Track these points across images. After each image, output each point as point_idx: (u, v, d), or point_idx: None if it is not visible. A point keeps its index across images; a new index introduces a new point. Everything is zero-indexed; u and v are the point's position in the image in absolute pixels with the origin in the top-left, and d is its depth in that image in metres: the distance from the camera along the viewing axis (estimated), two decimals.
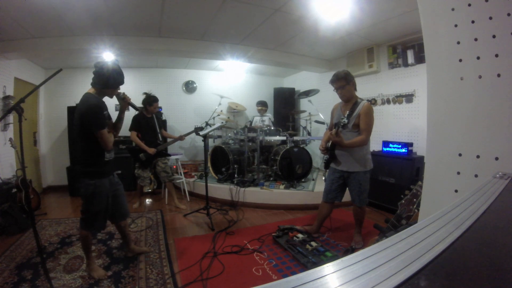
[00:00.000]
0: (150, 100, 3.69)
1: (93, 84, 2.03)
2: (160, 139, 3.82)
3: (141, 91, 3.93)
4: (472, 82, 0.98)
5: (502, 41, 0.89)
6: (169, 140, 4.07)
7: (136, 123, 3.65)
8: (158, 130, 3.82)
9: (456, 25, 1.01)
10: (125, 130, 3.83)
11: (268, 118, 5.06)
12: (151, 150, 3.58)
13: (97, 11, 2.92)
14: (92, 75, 2.02)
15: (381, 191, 3.68)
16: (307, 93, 4.94)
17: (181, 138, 3.82)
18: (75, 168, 1.95)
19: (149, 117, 3.77)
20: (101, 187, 2.08)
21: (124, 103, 2.19)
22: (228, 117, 5.75)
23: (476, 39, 0.96)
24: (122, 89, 2.20)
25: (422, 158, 3.33)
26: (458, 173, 1.03)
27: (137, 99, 3.85)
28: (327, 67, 5.20)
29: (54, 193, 4.94)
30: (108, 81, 2.01)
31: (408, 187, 1.75)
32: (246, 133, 4.45)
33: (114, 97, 2.17)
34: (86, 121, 1.94)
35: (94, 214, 2.10)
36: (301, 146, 4.55)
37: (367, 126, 2.44)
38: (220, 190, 4.20)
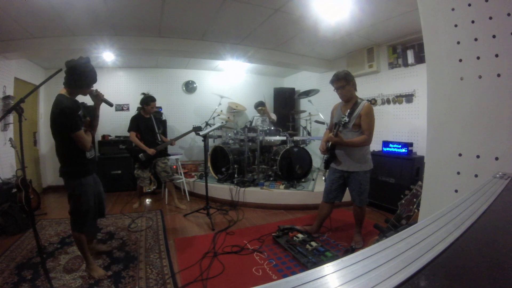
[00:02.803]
0: (147, 100, 3.69)
1: (64, 84, 1.97)
2: (159, 139, 3.82)
3: (141, 91, 3.93)
4: (472, 82, 0.98)
5: (502, 41, 0.89)
6: (164, 143, 4.07)
7: (134, 124, 3.65)
8: (157, 131, 3.82)
9: (456, 25, 1.01)
10: (125, 130, 3.85)
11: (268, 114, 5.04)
12: (151, 151, 3.58)
13: (97, 11, 2.92)
14: (64, 75, 1.95)
15: (381, 191, 3.68)
16: (307, 93, 4.94)
17: (171, 143, 3.92)
18: (59, 170, 2.00)
19: (147, 117, 3.77)
20: (87, 185, 2.07)
21: (98, 100, 2.14)
22: (228, 117, 5.75)
23: (476, 39, 0.96)
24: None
25: (422, 158, 3.33)
26: (458, 173, 1.03)
27: (137, 99, 3.86)
28: (327, 67, 5.20)
29: (54, 193, 4.94)
30: (80, 80, 1.95)
31: (408, 187, 1.75)
32: (246, 133, 4.45)
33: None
34: (61, 124, 1.90)
35: (84, 214, 2.08)
36: (301, 146, 4.55)
37: (369, 126, 2.45)
38: (220, 190, 4.20)
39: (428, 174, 1.17)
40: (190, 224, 3.36)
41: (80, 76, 1.95)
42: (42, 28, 3.28)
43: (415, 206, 1.64)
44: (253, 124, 4.97)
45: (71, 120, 1.89)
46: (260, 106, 5.06)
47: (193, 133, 3.81)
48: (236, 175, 4.44)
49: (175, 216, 3.68)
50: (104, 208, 2.41)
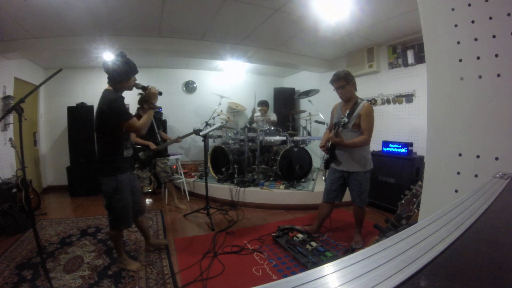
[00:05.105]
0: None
1: (108, 82, 2.07)
2: (159, 139, 3.82)
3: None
4: (472, 82, 0.98)
5: (502, 41, 0.89)
6: (168, 141, 4.07)
7: None
8: (157, 131, 3.81)
9: (456, 25, 1.01)
10: None
11: (268, 117, 5.04)
12: (153, 146, 3.59)
13: (97, 11, 2.92)
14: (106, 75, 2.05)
15: (381, 191, 3.68)
16: (307, 93, 4.93)
17: (177, 140, 3.87)
18: (94, 167, 2.04)
19: None
20: (123, 182, 2.11)
21: (149, 92, 2.18)
22: (228, 117, 5.75)
23: (476, 39, 0.96)
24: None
25: (422, 158, 3.33)
26: (458, 173, 1.03)
27: (135, 99, 3.85)
28: (327, 67, 5.20)
29: (54, 193, 4.94)
30: (118, 75, 2.00)
31: (408, 187, 1.75)
32: (246, 133, 4.45)
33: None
34: (111, 116, 1.94)
35: (120, 210, 2.11)
36: (301, 146, 4.55)
37: (369, 126, 2.45)
38: (220, 190, 4.20)
39: (428, 174, 1.17)
40: (190, 224, 3.36)
41: (116, 71, 1.99)
42: (42, 28, 3.28)
43: (415, 206, 1.64)
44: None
45: (122, 109, 1.97)
46: (263, 105, 5.05)
47: (193, 134, 3.81)
48: (236, 175, 4.44)
49: (175, 216, 3.68)
50: (141, 206, 2.43)
